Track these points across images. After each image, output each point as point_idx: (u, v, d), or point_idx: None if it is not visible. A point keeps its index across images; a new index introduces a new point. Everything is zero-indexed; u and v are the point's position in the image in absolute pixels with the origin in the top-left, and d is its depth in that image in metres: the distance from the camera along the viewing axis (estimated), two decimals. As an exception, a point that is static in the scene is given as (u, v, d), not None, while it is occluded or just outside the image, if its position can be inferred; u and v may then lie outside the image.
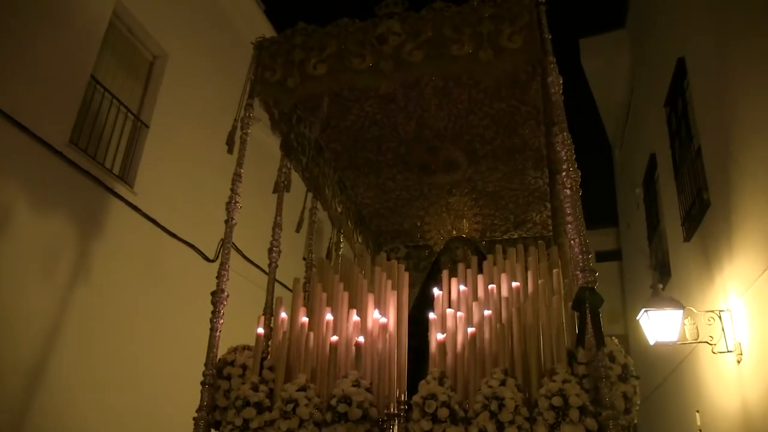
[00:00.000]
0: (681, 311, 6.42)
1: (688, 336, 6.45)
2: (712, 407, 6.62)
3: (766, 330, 5.18)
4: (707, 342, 6.21)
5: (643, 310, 6.53)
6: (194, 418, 3.34)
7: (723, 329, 6.04)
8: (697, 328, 6.40)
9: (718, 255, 6.28)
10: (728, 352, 5.94)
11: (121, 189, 6.79)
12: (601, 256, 12.75)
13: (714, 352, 6.15)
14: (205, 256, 7.71)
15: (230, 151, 3.90)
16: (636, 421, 3.04)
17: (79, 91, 6.42)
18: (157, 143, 7.43)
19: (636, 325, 6.86)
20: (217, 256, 7.53)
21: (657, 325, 6.39)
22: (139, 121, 7.39)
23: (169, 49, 7.80)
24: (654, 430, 8.78)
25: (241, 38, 4.45)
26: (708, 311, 6.26)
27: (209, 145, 7.78)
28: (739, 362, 5.76)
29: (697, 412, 7.02)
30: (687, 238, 7.37)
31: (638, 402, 3.04)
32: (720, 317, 6.08)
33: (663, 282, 8.35)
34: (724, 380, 6.22)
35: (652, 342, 6.56)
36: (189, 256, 7.54)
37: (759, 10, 5.13)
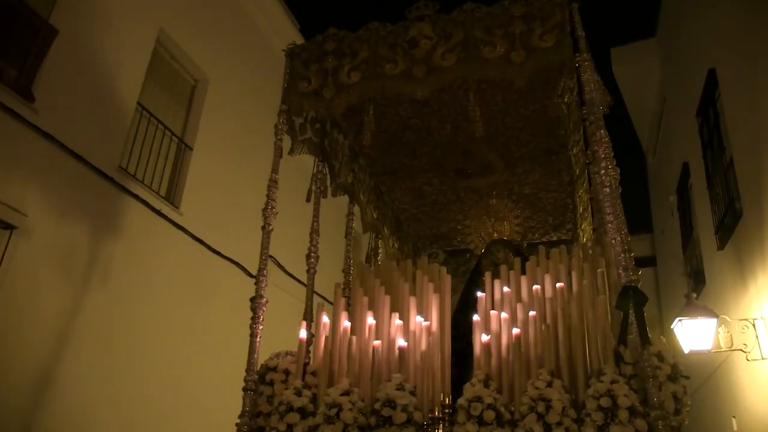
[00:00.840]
0: (715, 320, 6.43)
1: (722, 344, 6.48)
2: (748, 413, 6.66)
3: None
4: (741, 350, 6.23)
5: (677, 319, 6.53)
6: (237, 424, 3.33)
7: (757, 337, 6.08)
8: (731, 336, 6.42)
9: (752, 264, 6.31)
10: (762, 359, 5.99)
11: (167, 210, 7.09)
12: (636, 262, 12.54)
13: (748, 360, 6.18)
14: (248, 271, 7.81)
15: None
16: (687, 422, 2.97)
17: (127, 117, 6.73)
18: (200, 164, 7.73)
19: (671, 332, 6.80)
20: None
21: (691, 334, 6.41)
22: (183, 144, 7.71)
23: (209, 73, 8.12)
24: None
25: (277, 56, 4.53)
26: (742, 319, 6.29)
27: (250, 163, 8.02)
28: None
29: (734, 417, 7.09)
30: (721, 247, 7.40)
31: (689, 402, 2.99)
32: (754, 325, 6.12)
33: (697, 290, 8.46)
34: (759, 387, 6.26)
35: (686, 350, 6.52)
36: (233, 272, 7.71)
37: None
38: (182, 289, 7.00)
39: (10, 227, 5.23)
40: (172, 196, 7.35)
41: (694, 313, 6.47)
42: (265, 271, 3.67)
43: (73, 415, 5.59)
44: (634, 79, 11.52)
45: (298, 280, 8.19)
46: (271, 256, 3.90)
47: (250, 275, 7.76)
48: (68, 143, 5.82)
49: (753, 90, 6.07)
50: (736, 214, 6.72)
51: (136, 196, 6.60)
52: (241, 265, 7.82)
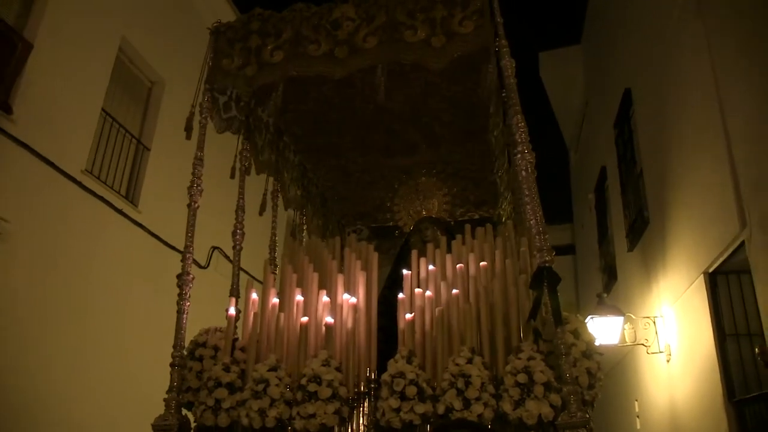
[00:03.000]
0: (622, 318, 7.24)
1: (627, 339, 7.27)
2: (648, 397, 7.54)
3: (691, 335, 5.96)
4: (643, 344, 7.04)
5: (590, 316, 7.19)
6: (165, 399, 3.35)
7: (656, 333, 6.88)
8: (635, 331, 7.24)
9: (655, 268, 7.03)
10: (660, 352, 6.78)
11: (128, 209, 7.83)
12: (558, 250, 13.18)
13: (648, 353, 6.99)
14: (198, 263, 8.31)
15: (188, 137, 3.87)
16: (599, 395, 3.09)
17: (92, 123, 7.38)
18: (157, 164, 8.26)
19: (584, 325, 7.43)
20: (208, 263, 8.67)
21: (601, 329, 7.09)
22: (141, 145, 8.34)
23: (165, 75, 8.59)
24: (603, 414, 9.63)
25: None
26: (644, 317, 7.13)
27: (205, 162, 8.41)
28: (668, 361, 6.60)
29: (636, 400, 8.01)
30: (630, 249, 8.10)
31: (602, 377, 3.12)
32: (654, 322, 6.92)
33: (610, 284, 9.53)
34: (657, 376, 7.08)
35: (597, 344, 7.03)
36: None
37: (697, 49, 5.56)
38: (139, 279, 7.62)
39: None
40: (131, 195, 7.95)
41: (604, 312, 7.24)
42: (191, 249, 3.66)
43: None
44: (560, 81, 12.23)
45: (226, 256, 8.55)
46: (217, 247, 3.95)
47: (200, 266, 8.47)
48: (41, 150, 6.45)
49: (661, 113, 6.71)
50: (644, 222, 7.41)
51: (100, 197, 7.32)
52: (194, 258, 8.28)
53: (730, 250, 5.04)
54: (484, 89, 3.98)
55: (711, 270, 5.46)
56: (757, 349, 4.77)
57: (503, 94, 3.69)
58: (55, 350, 6.38)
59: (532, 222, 3.17)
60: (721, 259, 5.22)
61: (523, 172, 3.29)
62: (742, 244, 4.81)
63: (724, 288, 5.41)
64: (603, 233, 10.39)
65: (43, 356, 6.24)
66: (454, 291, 3.41)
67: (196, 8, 9.24)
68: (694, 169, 5.79)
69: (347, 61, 3.65)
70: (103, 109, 7.52)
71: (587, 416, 2.76)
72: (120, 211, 7.61)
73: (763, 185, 4.46)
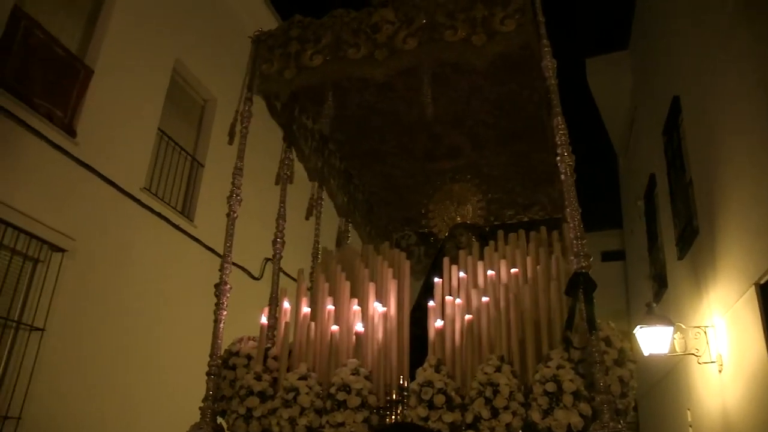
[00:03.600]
0: (671, 327, 7.11)
1: (677, 348, 7.19)
2: (700, 407, 7.45)
3: (742, 346, 5.89)
4: (693, 354, 6.97)
5: (639, 326, 7.13)
6: (200, 408, 3.39)
7: (708, 343, 6.80)
8: (685, 341, 7.17)
9: (705, 277, 6.95)
10: (711, 362, 6.69)
11: (184, 224, 8.12)
12: (607, 256, 13.57)
13: (699, 363, 6.91)
14: (252, 275, 8.66)
15: (230, 142, 3.94)
16: (634, 404, 3.03)
17: (149, 142, 7.69)
18: (211, 180, 8.51)
19: (633, 336, 7.40)
20: (262, 275, 8.89)
21: (650, 339, 7.04)
22: (195, 162, 8.64)
23: (217, 93, 8.88)
24: (655, 423, 9.59)
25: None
26: (695, 327, 7.04)
27: (256, 177, 8.58)
28: (720, 371, 6.52)
29: (688, 410, 7.91)
30: (680, 257, 8.02)
31: (635, 386, 3.05)
32: (705, 332, 6.83)
33: (660, 292, 9.39)
34: (709, 386, 7.00)
35: (646, 353, 7.13)
36: (241, 276, 8.40)
37: (745, 57, 5.50)
38: (196, 291, 7.67)
39: (61, 250, 6.14)
40: (187, 211, 8.38)
41: (653, 321, 7.13)
42: (229, 258, 3.70)
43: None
44: (607, 88, 12.07)
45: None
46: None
47: (254, 278, 8.77)
48: (103, 170, 6.75)
49: (710, 121, 6.66)
50: (694, 231, 7.36)
51: (158, 214, 7.62)
52: (247, 270, 8.62)
53: None
54: (526, 87, 3.97)
55: (762, 282, 5.38)
56: None
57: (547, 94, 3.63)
58: (121, 362, 6.69)
59: (570, 226, 3.14)
60: None
61: (563, 175, 3.25)
62: (792, 257, 4.73)
63: None
64: (653, 240, 10.27)
65: (109, 368, 6.55)
66: (485, 299, 3.38)
67: (244, 26, 9.42)
68: (744, 181, 5.75)
69: (387, 62, 3.65)
70: (159, 129, 7.87)
71: (620, 426, 2.70)
72: (177, 227, 7.91)
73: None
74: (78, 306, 6.27)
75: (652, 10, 9.61)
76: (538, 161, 4.83)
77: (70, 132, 6.35)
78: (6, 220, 5.56)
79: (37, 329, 5.75)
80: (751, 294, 5.51)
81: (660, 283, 9.54)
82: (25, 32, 5.93)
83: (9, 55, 5.76)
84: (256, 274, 8.90)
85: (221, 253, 8.08)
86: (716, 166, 6.48)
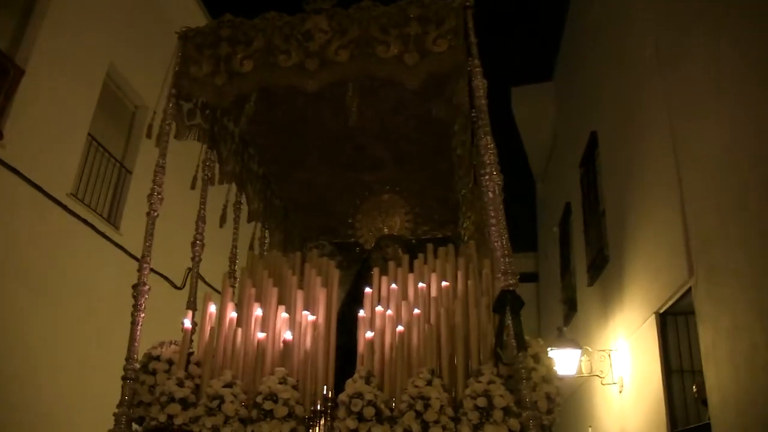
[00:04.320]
0: (579, 351, 7.74)
1: (584, 370, 7.81)
2: (601, 425, 8.01)
3: (642, 369, 6.41)
4: (598, 375, 7.60)
5: (549, 349, 7.41)
6: (114, 414, 3.24)
7: (611, 365, 7.41)
8: (591, 363, 7.76)
9: (612, 303, 7.51)
10: (613, 383, 7.31)
11: (109, 231, 7.99)
12: (522, 278, 13.38)
13: (602, 384, 7.55)
14: (174, 284, 8.63)
15: (148, 135, 3.82)
16: (557, 420, 3.08)
17: (78, 147, 7.56)
18: (139, 188, 8.19)
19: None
20: (184, 284, 8.63)
21: (560, 361, 7.51)
22: (123, 168, 8.49)
23: (148, 100, 8.62)
24: None
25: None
26: (600, 350, 7.64)
27: (183, 186, 8.47)
28: (620, 392, 7.12)
29: (590, 427, 8.52)
30: (590, 284, 8.56)
31: (560, 403, 3.10)
32: (609, 355, 7.45)
33: (570, 315, 10.05)
34: (610, 405, 7.59)
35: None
36: (163, 285, 8.31)
37: (658, 103, 5.96)
38: (121, 300, 7.49)
39: None
40: (113, 218, 8.25)
41: (563, 344, 7.76)
42: (148, 258, 3.57)
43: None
44: (531, 116, 12.59)
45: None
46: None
47: (176, 287, 8.66)
48: (29, 174, 6.63)
49: (624, 158, 7.19)
50: (604, 259, 7.88)
51: (84, 220, 7.49)
52: (170, 279, 8.56)
53: (679, 294, 5.48)
54: (452, 107, 3.93)
55: (662, 311, 5.89)
56: (694, 387, 5.39)
57: (473, 114, 3.65)
58: (38, 369, 6.53)
59: (497, 244, 3.14)
60: (671, 302, 5.67)
61: (490, 194, 3.26)
62: (690, 290, 5.22)
63: (673, 327, 5.89)
64: (566, 265, 10.72)
65: (25, 373, 6.40)
66: (416, 311, 3.37)
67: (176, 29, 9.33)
68: (651, 216, 6.19)
69: (318, 73, 3.60)
70: (89, 134, 7.76)
71: (545, 441, 2.75)
72: (102, 234, 7.77)
73: (711, 240, 4.86)
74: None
75: (576, 45, 10.07)
76: (459, 181, 4.84)
77: (-3, 133, 6.17)
78: None
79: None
80: (652, 321, 6.01)
81: (570, 307, 10.03)
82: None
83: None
84: (180, 284, 8.74)
85: (166, 275, 8.04)
86: (627, 200, 6.95)
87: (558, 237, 11.27)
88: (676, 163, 5.47)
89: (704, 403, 5.06)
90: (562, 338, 7.84)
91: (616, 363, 7.26)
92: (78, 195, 7.48)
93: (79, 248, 7.33)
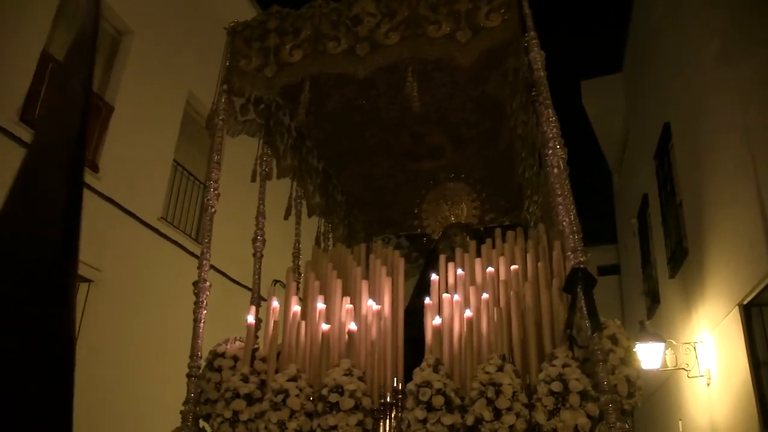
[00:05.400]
0: (663, 344, 7.71)
1: (668, 363, 7.85)
2: (691, 418, 8.04)
3: (729, 361, 6.35)
4: (683, 368, 7.58)
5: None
6: (181, 411, 3.22)
7: (696, 358, 7.39)
8: (676, 357, 7.79)
9: (694, 296, 7.50)
10: (700, 376, 7.29)
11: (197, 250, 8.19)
12: (602, 270, 13.86)
13: (689, 377, 7.54)
14: (247, 287, 8.81)
15: (211, 135, 3.80)
16: (640, 405, 2.86)
17: (165, 173, 8.23)
18: (223, 207, 8.61)
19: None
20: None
21: (643, 355, 7.37)
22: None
23: None
24: None
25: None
26: (685, 343, 7.63)
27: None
28: (708, 385, 7.08)
29: (680, 420, 8.52)
30: (672, 276, 8.51)
31: (642, 386, 2.89)
32: (695, 348, 7.42)
33: (653, 308, 10.03)
34: (698, 398, 7.58)
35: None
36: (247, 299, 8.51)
37: (729, 93, 5.95)
38: (210, 316, 7.98)
39: (88, 281, 6.64)
40: (201, 237, 8.32)
41: (646, 338, 7.71)
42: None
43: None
44: (602, 109, 12.52)
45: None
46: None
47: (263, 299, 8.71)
48: (123, 202, 7.31)
49: (699, 149, 7.16)
50: (683, 251, 7.86)
51: (174, 242, 8.19)
52: (245, 285, 8.95)
53: (762, 286, 5.39)
54: (509, 85, 3.77)
55: (745, 302, 5.80)
56: None
57: (533, 90, 3.49)
58: (138, 389, 6.99)
59: (565, 222, 2.98)
60: (754, 293, 5.62)
61: (555, 169, 3.10)
62: (773, 280, 5.16)
63: (758, 319, 5.83)
64: (646, 258, 10.64)
65: (127, 394, 6.91)
66: (484, 296, 3.22)
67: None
68: (729, 207, 6.17)
69: (369, 58, 3.49)
70: (174, 160, 8.43)
71: (627, 426, 2.57)
72: (191, 253, 8.22)
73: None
74: (99, 333, 6.57)
75: (644, 37, 9.94)
76: (521, 162, 4.63)
77: (93, 167, 6.76)
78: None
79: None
80: (736, 313, 5.92)
81: (653, 299, 9.96)
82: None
83: (38, 96, 6.21)
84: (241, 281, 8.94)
85: (232, 277, 8.39)
86: (704, 191, 6.93)
87: (637, 229, 11.18)
88: (751, 154, 5.42)
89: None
90: (645, 332, 7.81)
91: (701, 356, 7.25)
92: (167, 218, 8.17)
93: (171, 268, 7.82)
